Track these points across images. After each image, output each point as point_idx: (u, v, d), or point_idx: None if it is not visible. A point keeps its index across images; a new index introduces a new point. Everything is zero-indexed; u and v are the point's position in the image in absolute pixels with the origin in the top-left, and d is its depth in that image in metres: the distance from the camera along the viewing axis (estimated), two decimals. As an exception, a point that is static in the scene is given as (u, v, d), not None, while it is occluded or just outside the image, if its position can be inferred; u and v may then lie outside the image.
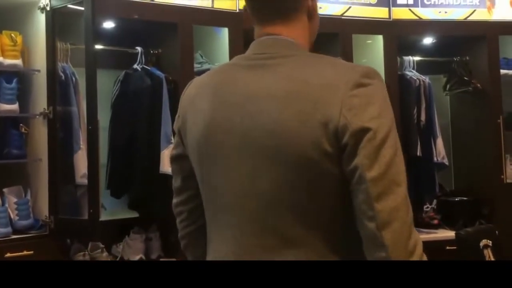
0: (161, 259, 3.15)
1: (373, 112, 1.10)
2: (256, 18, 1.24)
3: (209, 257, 1.26)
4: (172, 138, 3.14)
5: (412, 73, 3.96)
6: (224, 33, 3.46)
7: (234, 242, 1.19)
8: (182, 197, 1.31)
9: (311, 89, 1.11)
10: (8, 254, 2.64)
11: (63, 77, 2.92)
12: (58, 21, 2.90)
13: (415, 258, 1.12)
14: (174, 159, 1.31)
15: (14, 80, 2.83)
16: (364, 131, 1.09)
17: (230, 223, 1.19)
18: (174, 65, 3.29)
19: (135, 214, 3.28)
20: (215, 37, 3.55)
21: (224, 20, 3.43)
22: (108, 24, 3.23)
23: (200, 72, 3.38)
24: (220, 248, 1.22)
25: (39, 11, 2.90)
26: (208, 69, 3.40)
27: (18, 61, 2.84)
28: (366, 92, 1.12)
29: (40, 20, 2.88)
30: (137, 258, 3.10)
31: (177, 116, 1.30)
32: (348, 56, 3.69)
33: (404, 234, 1.10)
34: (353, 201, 1.11)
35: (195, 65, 3.37)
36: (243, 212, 1.17)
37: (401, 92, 3.84)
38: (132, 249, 3.13)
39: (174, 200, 1.33)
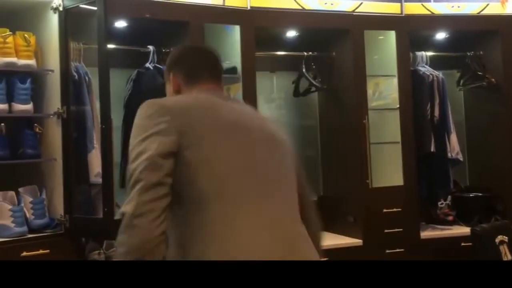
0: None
1: None
2: (198, 79, 1.65)
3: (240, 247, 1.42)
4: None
5: (425, 69, 3.94)
6: (235, 31, 3.46)
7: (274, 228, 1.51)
8: (158, 193, 1.38)
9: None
10: (24, 253, 2.66)
11: (76, 77, 2.94)
12: (70, 21, 2.91)
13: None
14: (164, 156, 1.41)
15: (28, 80, 2.85)
16: None
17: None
18: (186, 63, 3.29)
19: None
20: (227, 35, 3.55)
21: (236, 18, 3.43)
22: (120, 24, 3.25)
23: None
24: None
25: (52, 11, 2.91)
26: (220, 67, 3.42)
27: (32, 62, 2.86)
28: None
29: (53, 21, 2.89)
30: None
31: (168, 118, 1.45)
32: (359, 52, 3.68)
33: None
34: None
35: (207, 63, 3.37)
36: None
37: (414, 88, 3.83)
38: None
39: (147, 198, 1.37)
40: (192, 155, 1.43)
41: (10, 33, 2.81)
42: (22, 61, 2.82)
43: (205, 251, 1.39)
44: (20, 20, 2.92)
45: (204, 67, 1.67)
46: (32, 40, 2.87)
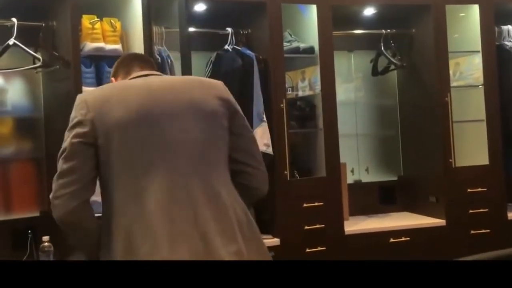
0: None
1: None
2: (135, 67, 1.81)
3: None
4: (264, 116, 3.19)
5: (511, 43, 3.77)
6: (311, 11, 3.45)
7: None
8: (69, 179, 1.58)
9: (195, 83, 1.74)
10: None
11: (159, 60, 3.03)
12: (153, 6, 3.01)
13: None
14: (78, 144, 1.59)
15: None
16: None
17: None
18: (264, 44, 3.33)
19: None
20: (303, 15, 3.55)
21: (313, -3, 3.42)
22: (200, 7, 3.32)
23: (290, 51, 3.41)
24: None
25: (135, -3, 3.02)
26: (298, 47, 3.43)
27: (118, 46, 2.98)
28: None
29: (137, 6, 2.99)
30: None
31: (84, 112, 1.61)
32: (441, 28, 3.57)
33: None
34: None
35: (284, 44, 3.39)
36: None
37: (500, 64, 3.67)
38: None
39: (60, 183, 1.59)
40: (104, 142, 1.58)
41: (98, 19, 2.94)
42: (109, 46, 2.94)
43: (108, 232, 1.58)
44: (106, 6, 3.04)
45: (134, 61, 1.85)
46: (118, 25, 2.99)
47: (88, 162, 1.59)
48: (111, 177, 1.59)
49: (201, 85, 1.72)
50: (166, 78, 1.83)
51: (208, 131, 1.64)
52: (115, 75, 1.86)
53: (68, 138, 1.61)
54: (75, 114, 1.62)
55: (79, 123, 1.60)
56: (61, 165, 1.60)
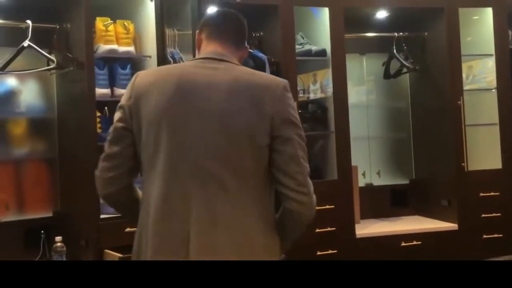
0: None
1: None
2: (211, 38, 1.62)
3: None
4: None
5: (525, 46, 3.75)
6: (323, 14, 3.45)
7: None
8: (114, 162, 1.55)
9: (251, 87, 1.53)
10: (128, 229, 2.80)
11: (172, 62, 3.04)
12: (166, 9, 3.02)
13: None
14: (121, 129, 1.55)
15: (128, 66, 3.00)
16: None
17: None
18: (276, 47, 3.33)
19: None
20: (315, 18, 3.55)
21: (325, 0, 3.42)
22: (212, 9, 3.33)
23: (302, 53, 3.42)
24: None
25: (148, 0, 3.04)
26: (310, 50, 3.44)
27: (131, 48, 3.00)
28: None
29: (150, 9, 3.01)
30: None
31: (128, 96, 1.55)
32: (454, 31, 3.56)
33: None
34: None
35: (297, 46, 3.40)
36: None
37: (514, 67, 3.65)
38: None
39: (105, 164, 1.56)
40: (136, 133, 1.54)
41: (111, 21, 2.96)
42: (122, 48, 2.97)
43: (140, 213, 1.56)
44: (119, 9, 3.07)
45: (215, 28, 1.64)
46: (131, 27, 3.01)
47: (129, 149, 1.54)
48: (141, 171, 1.57)
49: (248, 89, 1.52)
50: (215, 75, 1.55)
51: (233, 146, 1.48)
52: (200, 30, 1.66)
53: (114, 120, 1.56)
54: (124, 95, 1.58)
55: (121, 108, 1.56)
56: (106, 147, 1.56)
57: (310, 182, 1.56)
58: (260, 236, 1.51)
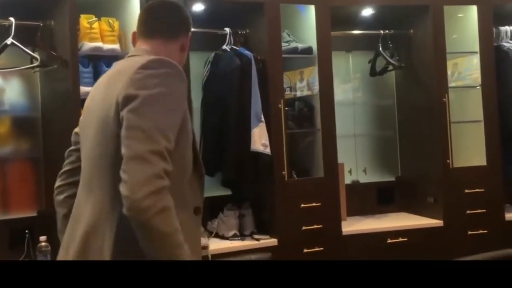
0: (254, 236, 3.22)
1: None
2: (138, 35, 1.61)
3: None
4: (262, 117, 3.19)
5: (509, 44, 3.77)
6: (309, 11, 3.45)
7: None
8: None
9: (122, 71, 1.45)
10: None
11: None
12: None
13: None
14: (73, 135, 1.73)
15: (113, 64, 2.97)
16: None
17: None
18: (262, 44, 3.33)
19: (228, 192, 3.37)
20: (302, 15, 3.55)
21: (311, -3, 3.42)
22: (198, 7, 3.32)
23: (288, 51, 3.41)
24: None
25: (133, -3, 3.02)
26: (296, 47, 3.43)
27: (116, 46, 2.97)
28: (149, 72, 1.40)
29: (135, 6, 2.98)
30: (231, 234, 3.19)
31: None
32: (439, 29, 3.57)
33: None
34: None
35: (283, 44, 3.39)
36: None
37: (498, 64, 3.68)
38: (226, 225, 3.22)
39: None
40: None
41: (96, 19, 2.93)
42: (107, 46, 2.94)
43: None
44: (104, 6, 3.04)
45: (140, 24, 1.61)
46: (116, 25, 2.99)
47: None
48: None
49: (112, 79, 1.48)
50: (114, 68, 1.57)
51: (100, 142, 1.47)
52: (134, 32, 1.65)
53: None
54: None
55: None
56: None
57: (135, 168, 1.27)
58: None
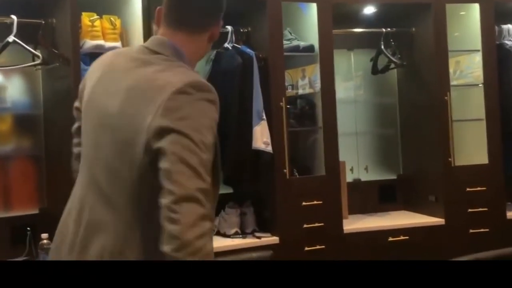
0: (256, 234, 3.22)
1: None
2: (163, 20, 1.44)
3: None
4: (264, 115, 3.19)
5: (511, 42, 3.76)
6: (311, 9, 3.45)
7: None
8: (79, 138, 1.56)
9: (149, 88, 1.34)
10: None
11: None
12: (153, 4, 3.00)
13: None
14: (74, 109, 1.59)
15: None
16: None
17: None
18: (264, 42, 3.32)
19: (229, 190, 3.38)
20: (304, 13, 3.54)
21: (313, -5, 3.41)
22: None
23: (289, 49, 3.41)
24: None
25: (135, -5, 3.02)
26: (298, 46, 3.43)
27: (118, 44, 2.97)
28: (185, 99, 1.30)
29: (136, 4, 2.99)
30: (232, 231, 3.20)
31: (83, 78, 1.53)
32: (441, 27, 3.57)
33: None
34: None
35: (284, 42, 3.39)
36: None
37: (500, 62, 3.67)
38: (228, 223, 3.23)
39: (75, 140, 1.62)
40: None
41: (98, 17, 2.93)
42: (109, 44, 2.94)
43: None
44: (106, 4, 3.04)
45: (168, 8, 1.43)
46: (118, 23, 2.99)
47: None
48: None
49: (143, 94, 1.34)
50: (132, 70, 1.40)
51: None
52: (162, 5, 1.47)
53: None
54: None
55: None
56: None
57: (187, 208, 1.22)
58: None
